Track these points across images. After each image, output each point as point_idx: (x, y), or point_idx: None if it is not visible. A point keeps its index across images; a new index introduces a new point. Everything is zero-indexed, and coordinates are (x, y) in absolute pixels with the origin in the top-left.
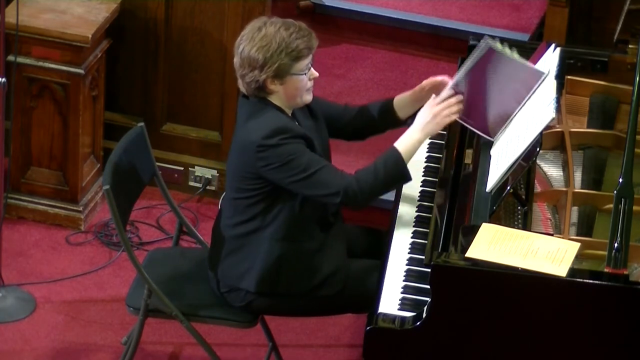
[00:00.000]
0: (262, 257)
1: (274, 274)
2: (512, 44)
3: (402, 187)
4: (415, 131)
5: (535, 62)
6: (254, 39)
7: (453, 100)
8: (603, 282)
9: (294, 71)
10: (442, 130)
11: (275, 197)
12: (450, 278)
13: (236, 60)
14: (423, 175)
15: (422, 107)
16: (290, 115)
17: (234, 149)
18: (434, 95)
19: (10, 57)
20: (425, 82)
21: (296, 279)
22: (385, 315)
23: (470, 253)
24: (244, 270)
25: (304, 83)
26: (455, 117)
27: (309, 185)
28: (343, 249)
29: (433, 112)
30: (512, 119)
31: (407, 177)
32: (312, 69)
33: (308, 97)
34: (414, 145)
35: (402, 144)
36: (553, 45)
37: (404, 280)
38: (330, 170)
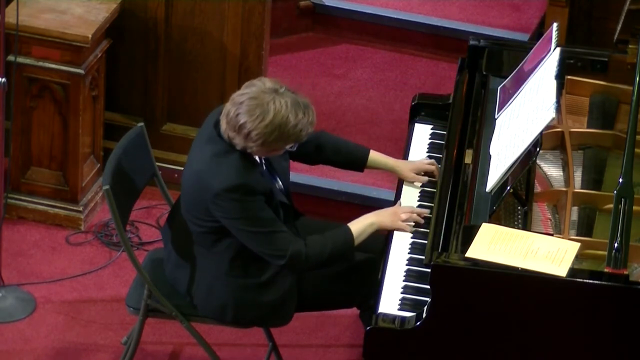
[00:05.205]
0: (206, 287)
1: (219, 306)
2: (512, 44)
3: (402, 187)
4: (372, 216)
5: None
6: (260, 121)
7: (418, 216)
8: (603, 282)
9: (279, 147)
10: (442, 130)
11: (223, 234)
12: (450, 278)
13: (232, 117)
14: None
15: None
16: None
17: (189, 173)
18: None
19: (10, 57)
20: (421, 165)
21: (241, 312)
22: (385, 315)
23: (470, 253)
24: (195, 292)
25: (281, 152)
26: (409, 230)
27: (258, 241)
28: (292, 278)
29: (398, 210)
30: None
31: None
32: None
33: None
34: (365, 228)
35: (355, 224)
36: (555, 25)
37: (404, 280)
38: (283, 235)
